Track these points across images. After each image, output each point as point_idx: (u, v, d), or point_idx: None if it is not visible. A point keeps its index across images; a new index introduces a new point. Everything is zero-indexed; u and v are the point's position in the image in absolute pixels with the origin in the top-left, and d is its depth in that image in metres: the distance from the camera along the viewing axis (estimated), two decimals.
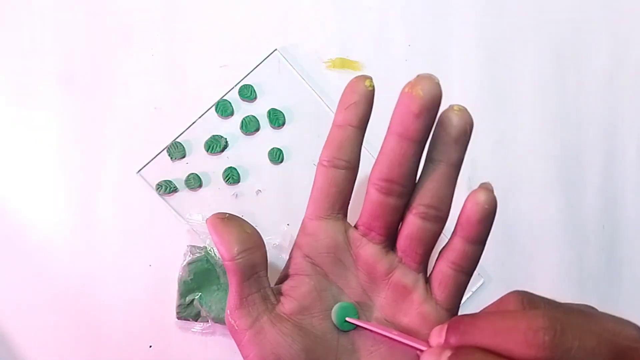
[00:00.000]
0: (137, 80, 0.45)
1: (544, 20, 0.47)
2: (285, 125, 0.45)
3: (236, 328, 0.25)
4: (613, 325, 0.19)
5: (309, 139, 0.45)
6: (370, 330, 0.26)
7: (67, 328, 0.43)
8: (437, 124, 0.24)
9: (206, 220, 0.25)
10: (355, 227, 0.27)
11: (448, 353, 0.19)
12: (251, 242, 0.25)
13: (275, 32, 0.45)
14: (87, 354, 0.43)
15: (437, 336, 0.21)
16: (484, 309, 0.22)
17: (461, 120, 0.24)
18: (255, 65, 0.45)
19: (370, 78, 0.25)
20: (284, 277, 0.27)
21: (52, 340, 0.43)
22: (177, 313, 0.42)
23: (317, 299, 0.26)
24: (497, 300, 0.21)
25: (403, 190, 0.25)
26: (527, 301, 0.20)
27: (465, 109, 0.24)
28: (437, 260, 0.26)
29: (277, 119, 0.44)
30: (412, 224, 0.25)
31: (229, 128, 0.45)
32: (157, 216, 0.44)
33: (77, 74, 0.44)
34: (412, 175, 0.24)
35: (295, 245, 0.27)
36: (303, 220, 0.27)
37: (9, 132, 0.44)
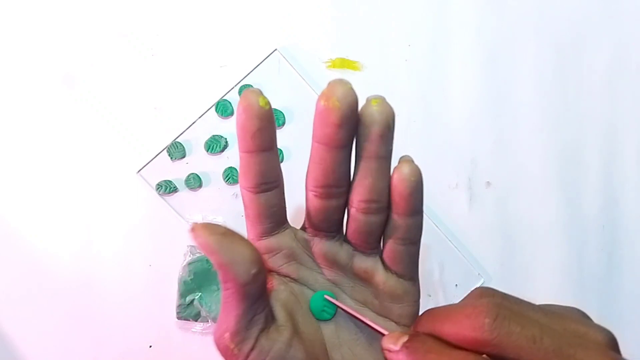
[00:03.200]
0: (137, 80, 0.45)
1: (544, 20, 0.47)
2: (285, 125, 0.45)
3: (236, 352, 0.23)
4: (580, 326, 0.20)
5: (309, 139, 0.45)
6: (346, 311, 0.26)
7: (68, 328, 0.43)
8: (360, 122, 0.23)
9: (192, 232, 0.20)
10: (303, 228, 0.27)
11: (404, 338, 0.22)
12: (261, 261, 0.22)
13: (275, 32, 0.45)
14: (88, 353, 0.43)
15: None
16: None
17: (382, 115, 0.22)
18: (255, 65, 0.45)
19: (261, 93, 0.23)
20: None
21: (52, 340, 0.43)
22: (177, 313, 0.42)
23: (297, 303, 0.26)
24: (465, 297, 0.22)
25: (341, 190, 0.25)
26: (485, 293, 0.21)
27: (384, 100, 0.23)
28: (384, 240, 0.27)
29: (277, 119, 0.44)
30: (356, 220, 0.25)
31: (229, 128, 0.45)
32: (157, 216, 0.44)
33: (77, 74, 0.44)
34: (346, 175, 0.25)
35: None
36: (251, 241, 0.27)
37: (9, 132, 0.44)
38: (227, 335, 0.23)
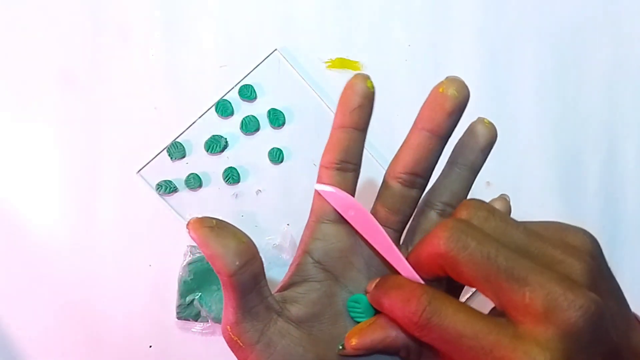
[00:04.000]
0: (137, 80, 0.45)
1: (544, 20, 0.47)
2: (285, 125, 0.45)
3: (241, 344, 0.23)
4: (558, 246, 0.21)
5: (309, 139, 0.45)
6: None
7: (68, 327, 0.43)
8: (466, 132, 0.26)
9: (188, 227, 0.22)
10: None
11: (377, 280, 0.24)
12: (250, 252, 0.22)
13: (275, 32, 0.45)
14: (88, 353, 0.43)
15: None
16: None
17: (491, 133, 0.26)
18: (255, 65, 0.45)
19: (370, 78, 0.25)
20: (290, 283, 0.26)
21: (52, 340, 0.43)
22: (177, 313, 0.42)
23: (328, 304, 0.26)
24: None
25: (424, 183, 0.26)
26: (467, 205, 0.23)
27: (493, 124, 0.26)
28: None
29: (277, 119, 0.44)
30: (430, 220, 0.26)
31: (229, 128, 0.45)
32: (157, 216, 0.44)
33: (77, 74, 0.44)
34: (432, 170, 0.26)
35: (303, 251, 0.26)
36: (310, 224, 0.26)
37: (9, 132, 0.44)
38: (228, 327, 0.23)
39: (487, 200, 0.25)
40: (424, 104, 0.24)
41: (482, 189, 0.46)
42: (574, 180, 0.47)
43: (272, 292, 0.25)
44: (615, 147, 0.47)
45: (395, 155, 0.25)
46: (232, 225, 0.23)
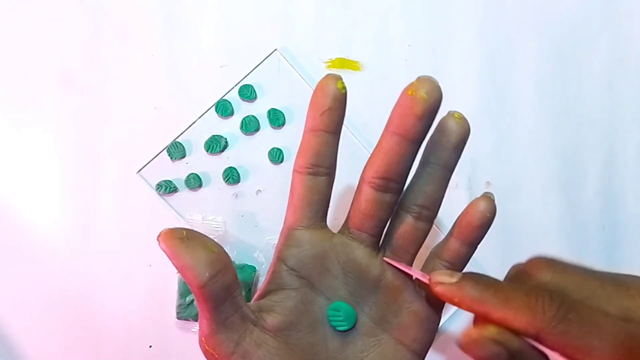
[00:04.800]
0: (137, 80, 0.45)
1: (544, 20, 0.47)
2: (285, 125, 0.45)
3: (216, 356, 0.23)
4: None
5: None
6: (404, 272, 0.25)
7: (67, 328, 0.43)
8: (437, 129, 0.25)
9: (158, 239, 0.21)
10: (342, 231, 0.26)
11: (459, 274, 0.22)
12: (221, 262, 0.22)
13: (275, 32, 0.45)
14: (87, 353, 0.43)
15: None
16: (511, 269, 0.23)
17: (462, 128, 0.24)
18: (255, 65, 0.45)
19: (341, 78, 0.24)
20: (266, 292, 0.26)
21: (52, 340, 0.43)
22: (177, 313, 0.42)
23: (304, 312, 0.25)
24: (524, 264, 0.22)
25: (398, 187, 0.25)
26: (555, 266, 0.21)
27: (464, 117, 0.24)
28: (428, 257, 0.27)
29: (277, 119, 0.44)
30: (406, 223, 0.25)
31: (229, 128, 0.45)
32: (157, 216, 0.44)
33: (77, 74, 0.45)
34: (406, 174, 0.25)
35: (278, 258, 0.26)
36: (284, 231, 0.26)
37: (9, 132, 0.44)
38: (203, 339, 0.23)
39: (470, 193, 0.25)
40: (395, 106, 0.23)
41: (482, 189, 0.46)
42: (574, 180, 0.47)
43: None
44: (615, 147, 0.47)
45: (368, 160, 0.25)
46: (203, 235, 0.22)
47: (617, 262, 0.46)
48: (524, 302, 0.19)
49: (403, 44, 0.46)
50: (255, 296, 0.26)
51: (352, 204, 0.26)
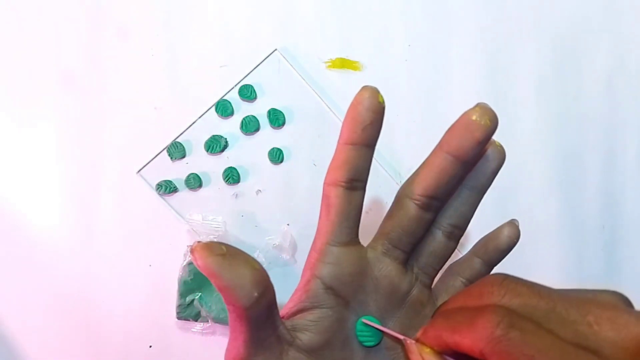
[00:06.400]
0: (137, 80, 0.45)
1: (544, 20, 0.47)
2: (285, 125, 0.45)
3: None
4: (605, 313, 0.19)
5: (309, 139, 0.45)
6: (388, 334, 0.25)
7: (67, 328, 0.43)
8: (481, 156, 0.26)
9: (193, 254, 0.20)
10: (373, 246, 0.26)
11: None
12: (265, 280, 0.20)
13: (275, 32, 0.45)
14: (87, 353, 0.43)
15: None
16: (465, 289, 0.23)
17: (502, 155, 0.26)
18: (255, 65, 0.45)
19: (379, 91, 0.24)
20: (299, 309, 0.25)
21: (52, 340, 0.43)
22: (177, 313, 0.42)
23: (338, 330, 0.24)
24: (477, 283, 0.22)
25: (440, 206, 0.25)
26: (508, 286, 0.21)
27: (503, 146, 0.26)
28: (446, 273, 0.28)
29: (277, 119, 0.44)
30: (438, 241, 0.26)
31: (229, 128, 0.45)
32: (157, 216, 0.44)
33: (77, 74, 0.44)
34: (452, 194, 0.25)
35: (313, 276, 0.24)
36: (319, 247, 0.25)
37: (9, 132, 0.44)
38: None
39: (495, 223, 0.26)
40: (453, 127, 0.24)
41: None
42: (574, 180, 0.47)
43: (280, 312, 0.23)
44: (615, 147, 0.47)
45: (414, 175, 0.24)
46: (242, 251, 0.21)
47: (617, 262, 0.46)
48: (467, 323, 0.19)
49: (403, 44, 0.46)
50: (287, 313, 0.25)
51: (388, 218, 0.25)
